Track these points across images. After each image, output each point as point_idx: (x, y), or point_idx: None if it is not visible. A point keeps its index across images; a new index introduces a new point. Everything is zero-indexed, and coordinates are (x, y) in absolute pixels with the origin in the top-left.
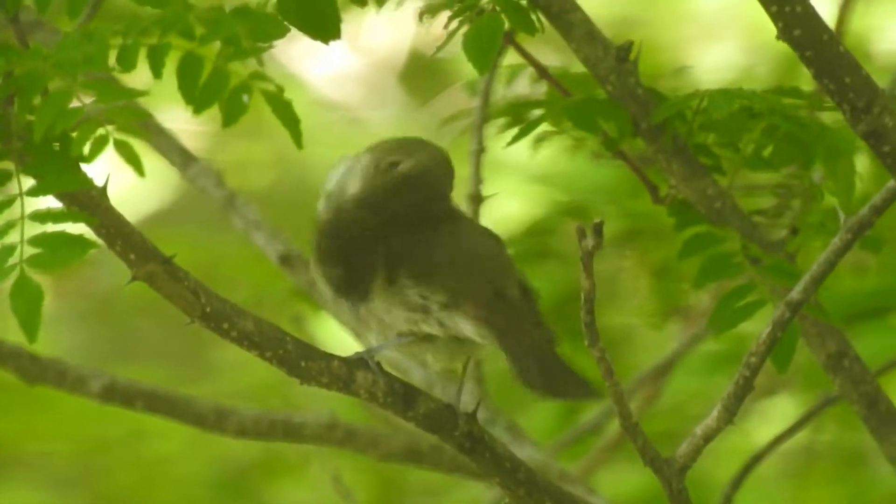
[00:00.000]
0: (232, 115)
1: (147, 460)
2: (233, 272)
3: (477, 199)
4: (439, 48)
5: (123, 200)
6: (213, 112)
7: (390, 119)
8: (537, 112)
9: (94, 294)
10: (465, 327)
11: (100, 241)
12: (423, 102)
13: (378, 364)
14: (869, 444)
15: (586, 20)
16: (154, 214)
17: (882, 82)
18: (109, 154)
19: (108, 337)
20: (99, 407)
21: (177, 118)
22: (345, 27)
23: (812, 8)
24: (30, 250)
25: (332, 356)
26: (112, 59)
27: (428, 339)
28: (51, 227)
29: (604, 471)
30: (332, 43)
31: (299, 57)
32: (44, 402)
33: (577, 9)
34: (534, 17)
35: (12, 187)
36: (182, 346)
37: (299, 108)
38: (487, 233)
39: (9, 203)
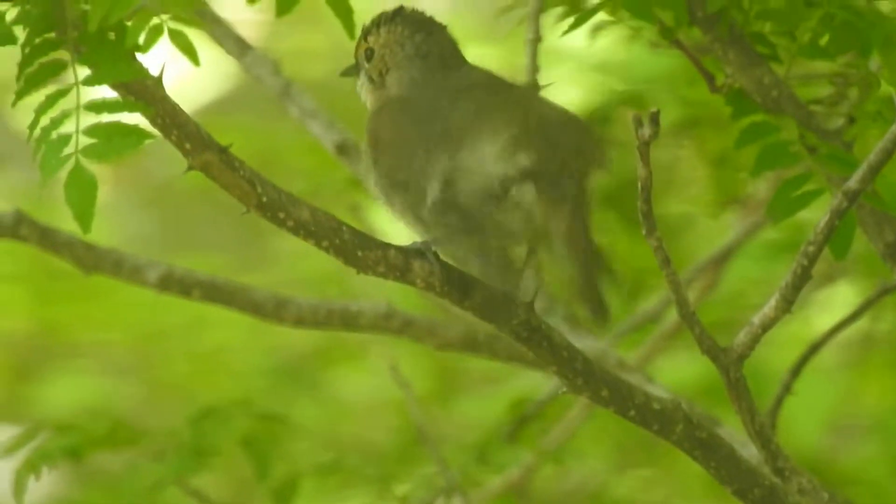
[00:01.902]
0: (285, 4)
1: (205, 349)
2: (290, 161)
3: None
4: None
5: (180, 90)
6: (270, 1)
7: (448, 8)
8: (594, 1)
9: (153, 183)
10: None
11: (155, 131)
12: None
13: (435, 253)
14: None
15: None
16: (211, 104)
17: None
18: (165, 44)
19: (166, 226)
20: (156, 296)
21: (233, 7)
22: None
23: None
24: (85, 140)
25: (388, 245)
26: None
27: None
28: (106, 118)
29: (662, 359)
30: None
31: None
32: (101, 292)
33: None
34: None
35: (68, 77)
36: (240, 235)
37: None
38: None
39: (64, 93)
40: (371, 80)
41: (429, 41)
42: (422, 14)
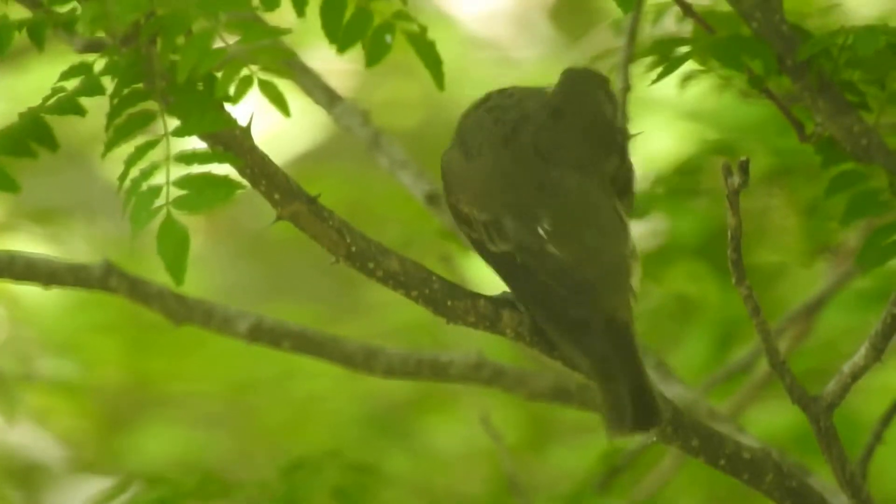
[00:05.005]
0: (375, 54)
1: (296, 399)
2: (380, 212)
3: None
4: None
5: (270, 141)
6: (360, 51)
7: (539, 58)
8: (683, 49)
9: (245, 234)
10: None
11: (245, 181)
12: (573, 40)
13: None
14: None
15: None
16: (301, 154)
17: None
18: (255, 94)
19: (258, 277)
20: (247, 347)
21: (323, 57)
22: None
23: None
24: (176, 192)
25: (478, 295)
26: None
27: None
28: (196, 169)
29: (753, 409)
30: None
31: None
32: (192, 343)
33: None
34: None
35: (157, 128)
36: (333, 285)
37: (449, 47)
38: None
39: (154, 144)
40: None
41: None
42: None
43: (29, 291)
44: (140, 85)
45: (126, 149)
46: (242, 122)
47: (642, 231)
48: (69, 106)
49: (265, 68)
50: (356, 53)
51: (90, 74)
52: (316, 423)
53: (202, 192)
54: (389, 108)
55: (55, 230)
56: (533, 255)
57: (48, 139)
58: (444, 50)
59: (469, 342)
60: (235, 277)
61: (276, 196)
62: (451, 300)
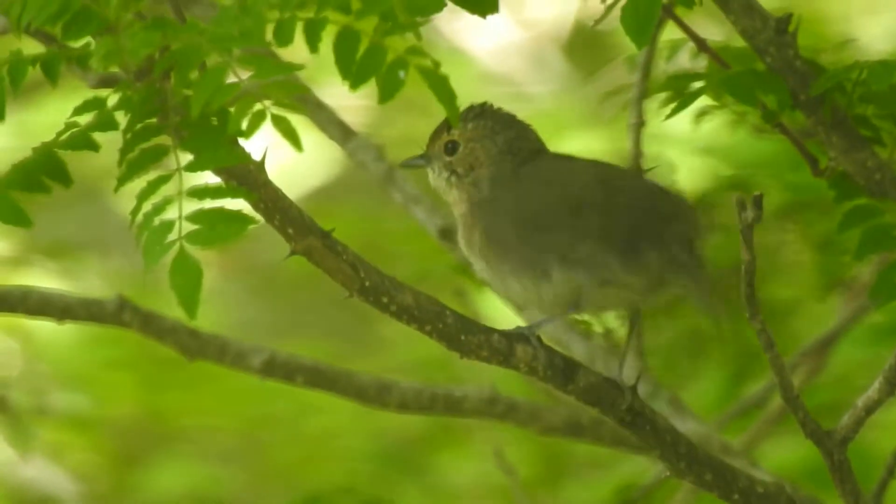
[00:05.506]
0: (388, 90)
1: (309, 435)
2: (394, 246)
3: None
4: (597, 21)
5: (284, 175)
6: (374, 86)
7: (554, 93)
8: (697, 85)
9: (259, 268)
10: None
11: (258, 216)
12: (588, 75)
13: (538, 338)
14: None
15: None
16: (316, 189)
17: None
18: (270, 130)
19: (272, 312)
20: (261, 382)
21: (338, 93)
22: (509, 0)
23: None
24: (188, 226)
25: (491, 330)
26: (269, 34)
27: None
28: (209, 203)
29: (767, 444)
30: (494, 16)
31: (464, 31)
32: (205, 378)
33: None
34: None
35: (170, 162)
36: (346, 320)
37: (463, 83)
38: None
39: (166, 178)
40: (456, 173)
41: (519, 138)
42: (506, 111)
43: (42, 326)
44: (153, 120)
45: (139, 183)
46: (256, 157)
47: None
48: (82, 141)
49: (278, 103)
50: (370, 89)
51: (103, 109)
52: (330, 459)
53: (215, 226)
54: (403, 144)
55: (68, 265)
56: None
57: (61, 174)
58: (458, 85)
59: (482, 377)
60: (249, 312)
61: (290, 230)
62: (464, 335)
